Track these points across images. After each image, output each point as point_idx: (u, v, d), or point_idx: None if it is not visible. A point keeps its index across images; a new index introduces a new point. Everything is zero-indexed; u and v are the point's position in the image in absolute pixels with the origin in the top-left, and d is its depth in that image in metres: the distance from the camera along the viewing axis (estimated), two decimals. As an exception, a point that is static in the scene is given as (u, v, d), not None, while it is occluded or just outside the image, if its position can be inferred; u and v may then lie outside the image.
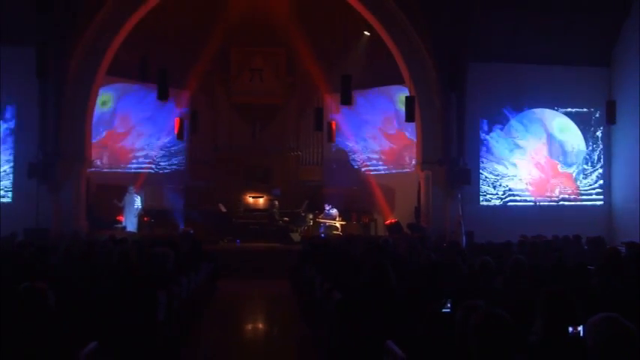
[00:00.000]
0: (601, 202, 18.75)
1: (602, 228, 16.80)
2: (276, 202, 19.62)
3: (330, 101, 20.22)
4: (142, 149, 20.12)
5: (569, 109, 18.84)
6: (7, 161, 16.93)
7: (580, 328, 3.54)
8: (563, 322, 3.54)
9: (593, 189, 18.86)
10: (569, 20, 17.59)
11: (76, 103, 16.69)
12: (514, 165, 18.59)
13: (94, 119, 17.79)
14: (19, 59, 16.04)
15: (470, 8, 16.67)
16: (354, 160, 21.10)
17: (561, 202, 18.62)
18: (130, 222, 17.82)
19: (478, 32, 16.92)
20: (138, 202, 18.07)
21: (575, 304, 3.62)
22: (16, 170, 16.71)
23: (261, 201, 20.78)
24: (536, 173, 18.68)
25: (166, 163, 20.52)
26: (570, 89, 18.45)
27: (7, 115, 17.05)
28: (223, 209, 19.44)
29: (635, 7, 17.32)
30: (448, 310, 4.83)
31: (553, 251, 9.41)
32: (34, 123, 16.21)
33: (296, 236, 18.58)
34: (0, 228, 13.13)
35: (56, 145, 16.18)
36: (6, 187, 16.92)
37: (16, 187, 16.80)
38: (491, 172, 18.42)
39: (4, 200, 16.75)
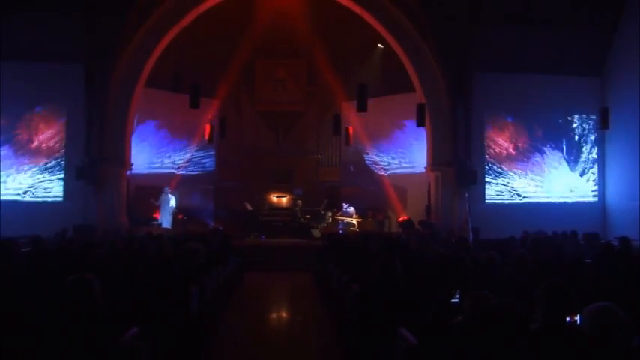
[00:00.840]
0: (595, 201, 18.59)
1: (596, 224, 16.68)
2: (299, 202, 19.67)
3: (347, 108, 20.21)
4: (176, 153, 20.27)
5: (565, 115, 18.69)
6: (60, 167, 17.28)
7: (577, 317, 3.53)
8: (562, 311, 3.53)
9: (589, 188, 18.69)
10: (564, 34, 17.50)
11: (118, 113, 16.91)
12: (515, 167, 18.49)
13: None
14: (68, 75, 16.42)
15: (474, 23, 16.63)
16: (369, 162, 21.07)
17: (559, 200, 18.48)
18: (165, 220, 17.93)
19: (482, 44, 16.86)
20: (172, 201, 18.17)
21: (573, 294, 3.61)
22: (67, 173, 17.00)
23: (284, 200, 20.83)
24: (535, 174, 18.56)
25: (198, 165, 20.64)
26: (566, 97, 18.31)
27: (60, 125, 17.43)
28: (249, 208, 19.53)
29: (623, 23, 17.28)
30: (457, 300, 4.84)
31: (552, 246, 9.33)
32: (82, 131, 16.50)
33: (316, 232, 18.61)
34: (53, 225, 13.33)
35: (100, 150, 16.42)
36: (58, 189, 17.27)
37: (66, 188, 17.09)
38: (494, 173, 18.34)
39: (56, 200, 17.15)
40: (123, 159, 17.06)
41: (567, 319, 3.52)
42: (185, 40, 18.13)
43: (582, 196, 18.61)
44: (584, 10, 17.30)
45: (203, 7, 17.14)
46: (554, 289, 3.61)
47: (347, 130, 19.00)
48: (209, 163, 20.85)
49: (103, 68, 16.18)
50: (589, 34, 17.69)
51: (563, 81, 18.14)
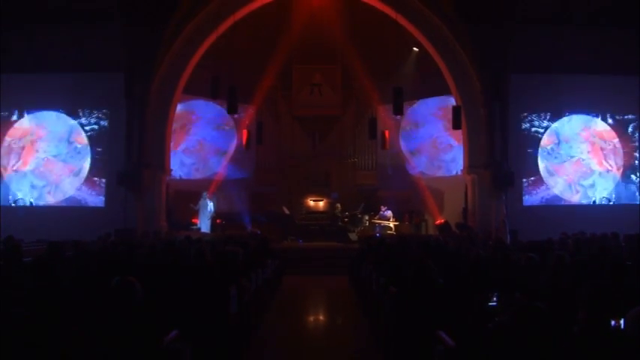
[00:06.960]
0: (637, 204, 18.10)
1: (638, 227, 16.19)
2: (339, 205, 19.58)
3: (383, 111, 20.14)
4: (214, 158, 20.52)
5: (605, 115, 18.29)
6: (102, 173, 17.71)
7: (622, 322, 3.44)
8: (605, 314, 3.44)
9: (630, 190, 18.22)
10: (601, 33, 17.21)
11: (157, 119, 17.23)
12: (554, 168, 18.18)
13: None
14: (109, 84, 16.81)
15: (510, 24, 16.40)
16: (406, 165, 20.94)
17: (600, 202, 18.07)
18: (204, 224, 18.13)
19: (518, 46, 16.63)
20: (211, 206, 18.36)
21: (616, 297, 3.51)
22: (108, 179, 17.37)
23: (321, 204, 20.85)
24: (575, 176, 18.21)
25: (235, 170, 20.80)
26: (606, 97, 18.02)
27: (100, 131, 17.85)
28: (287, 211, 19.59)
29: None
30: (494, 303, 4.76)
31: (594, 247, 9.09)
32: (122, 137, 16.83)
33: (353, 236, 18.54)
34: (94, 229, 13.61)
35: (141, 156, 16.71)
36: (99, 194, 17.71)
37: (108, 193, 17.48)
38: (532, 175, 18.08)
39: (97, 205, 17.55)
40: (163, 165, 17.35)
41: (612, 323, 3.43)
42: (222, 48, 18.35)
43: (623, 199, 18.15)
44: (620, 9, 16.90)
45: (239, 15, 17.32)
46: (597, 292, 3.52)
47: (383, 133, 18.93)
48: (246, 167, 20.99)
49: (143, 76, 16.51)
50: (626, 33, 17.33)
51: (601, 81, 17.83)
